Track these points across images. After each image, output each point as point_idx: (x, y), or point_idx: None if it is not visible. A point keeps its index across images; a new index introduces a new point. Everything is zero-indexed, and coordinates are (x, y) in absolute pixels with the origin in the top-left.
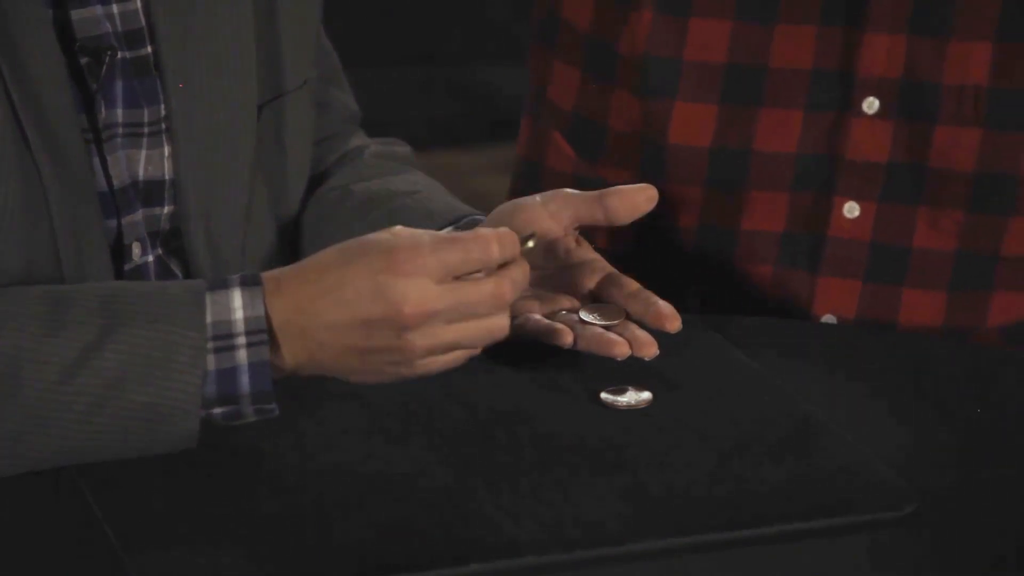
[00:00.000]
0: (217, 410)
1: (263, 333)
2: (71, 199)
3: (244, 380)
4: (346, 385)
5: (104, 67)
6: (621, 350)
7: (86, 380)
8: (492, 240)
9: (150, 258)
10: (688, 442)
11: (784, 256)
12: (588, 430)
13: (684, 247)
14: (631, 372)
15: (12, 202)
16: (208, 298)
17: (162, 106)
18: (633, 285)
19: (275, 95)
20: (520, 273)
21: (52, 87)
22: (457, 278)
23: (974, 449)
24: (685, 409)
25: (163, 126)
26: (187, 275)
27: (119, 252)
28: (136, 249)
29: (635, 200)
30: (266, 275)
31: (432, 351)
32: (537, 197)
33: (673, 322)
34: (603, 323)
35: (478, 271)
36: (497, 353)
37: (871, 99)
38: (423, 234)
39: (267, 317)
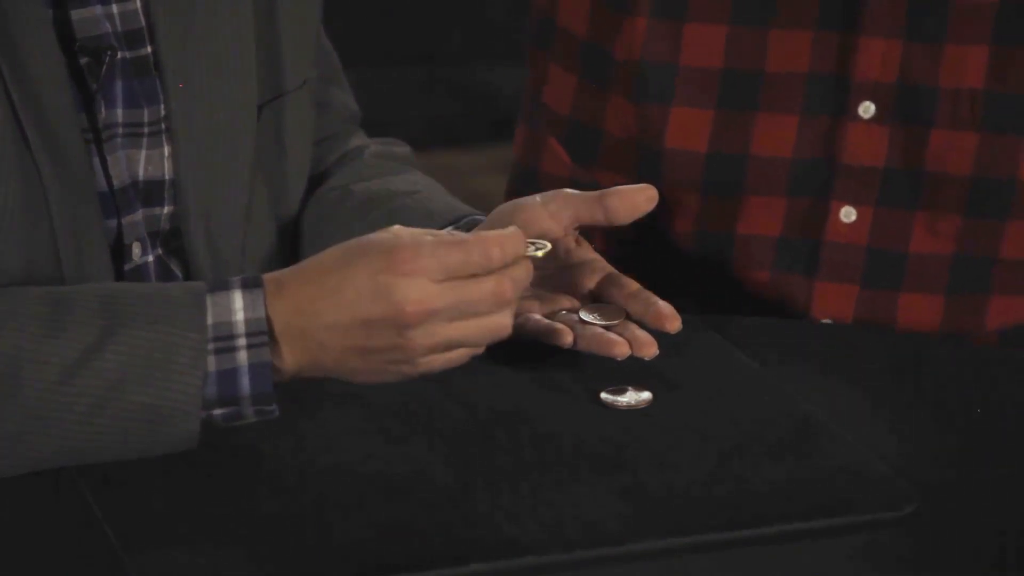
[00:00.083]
0: (217, 411)
1: (264, 335)
2: (71, 199)
3: (244, 381)
4: (346, 386)
5: (104, 67)
6: (621, 350)
7: (87, 381)
8: (493, 243)
9: (150, 258)
10: (688, 442)
11: (781, 261)
12: (588, 430)
13: (681, 252)
14: (631, 372)
15: (12, 202)
16: (209, 300)
17: (162, 106)
18: (633, 285)
19: (275, 95)
20: (522, 272)
21: (52, 87)
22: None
23: (974, 449)
24: (685, 409)
25: (163, 126)
26: (187, 275)
27: (119, 252)
28: (136, 249)
29: (635, 200)
30: (267, 277)
31: (434, 349)
32: (537, 197)
33: (673, 322)
34: (603, 323)
35: (479, 274)
36: (497, 353)
37: (867, 103)
38: (424, 234)
39: (268, 319)
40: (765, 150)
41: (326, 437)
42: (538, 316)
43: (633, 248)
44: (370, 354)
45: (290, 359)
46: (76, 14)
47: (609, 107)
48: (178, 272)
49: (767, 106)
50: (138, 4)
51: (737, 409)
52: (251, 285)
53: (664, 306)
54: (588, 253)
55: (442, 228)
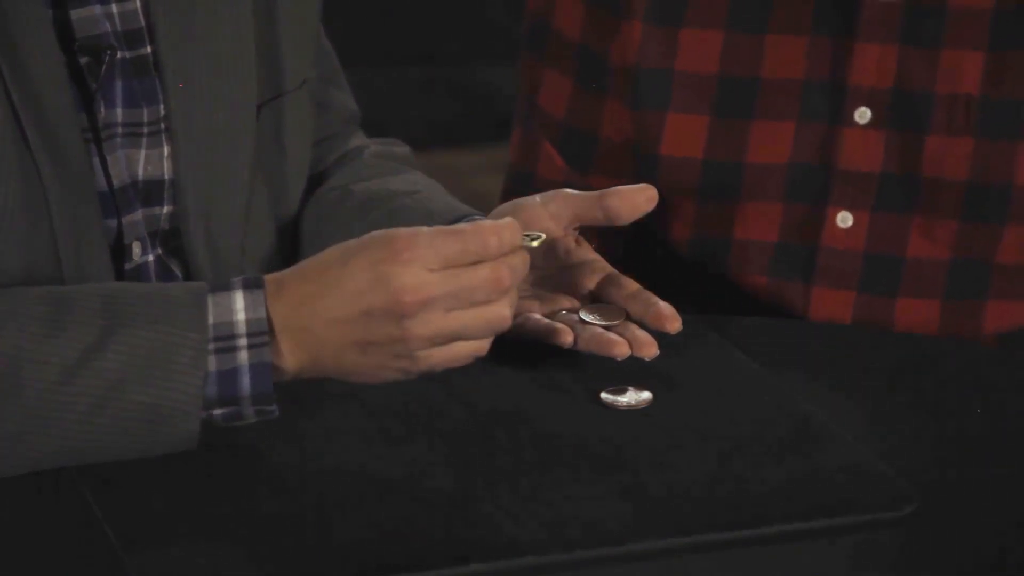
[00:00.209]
0: (218, 411)
1: (264, 335)
2: (71, 199)
3: (245, 381)
4: (346, 385)
5: (104, 67)
6: (621, 350)
7: (87, 381)
8: (490, 232)
9: (150, 258)
10: (688, 442)
11: (778, 266)
12: (588, 430)
13: (678, 258)
14: (631, 372)
15: (12, 202)
16: (210, 300)
17: (161, 106)
18: (633, 286)
19: (274, 95)
20: (519, 261)
21: (52, 87)
22: None
23: (974, 449)
24: (685, 409)
25: (162, 126)
26: (187, 275)
27: (119, 252)
28: (136, 249)
29: (635, 200)
30: (268, 278)
31: (433, 341)
32: (537, 197)
33: (673, 323)
34: (603, 323)
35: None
36: (497, 353)
37: (863, 109)
38: (422, 227)
39: (268, 319)
40: (761, 156)
41: (326, 437)
42: (538, 316)
43: (629, 254)
44: (370, 347)
45: (290, 358)
46: (76, 14)
47: (605, 112)
48: (178, 272)
49: (763, 112)
50: (138, 4)
51: (737, 409)
52: (252, 285)
53: (664, 306)
54: (588, 253)
55: None
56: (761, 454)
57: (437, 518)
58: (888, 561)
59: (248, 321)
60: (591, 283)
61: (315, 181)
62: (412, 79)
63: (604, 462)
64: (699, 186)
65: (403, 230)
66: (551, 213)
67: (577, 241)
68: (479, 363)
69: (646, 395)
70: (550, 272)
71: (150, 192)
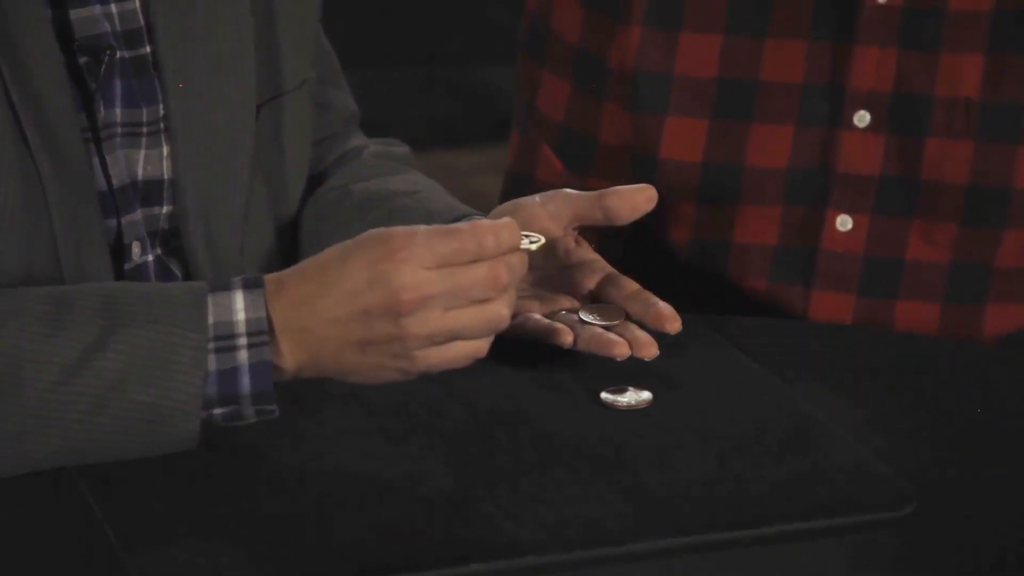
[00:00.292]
0: (218, 411)
1: (264, 334)
2: (71, 199)
3: (245, 381)
4: (346, 385)
5: (103, 66)
6: (621, 350)
7: (87, 380)
8: (487, 232)
9: (150, 258)
10: (688, 442)
11: (777, 270)
12: (588, 430)
13: (677, 261)
14: (631, 372)
15: (12, 202)
16: (210, 299)
17: (161, 106)
18: (633, 286)
19: (274, 95)
20: (517, 260)
21: (51, 87)
22: None
23: (974, 449)
24: (685, 409)
25: (162, 126)
26: (186, 275)
27: (119, 252)
28: (136, 249)
29: (635, 200)
30: (268, 277)
31: (431, 340)
32: (536, 197)
33: (673, 323)
34: (603, 323)
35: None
36: (497, 353)
37: (862, 112)
38: (419, 226)
39: (268, 319)
40: (761, 160)
41: (326, 437)
42: (538, 316)
43: (628, 258)
44: (369, 346)
45: (290, 358)
46: (75, 14)
47: (604, 115)
48: (177, 272)
49: (762, 116)
50: (137, 4)
51: (737, 409)
52: (252, 285)
53: (664, 307)
54: (588, 253)
55: None
56: (761, 454)
57: (437, 518)
58: (888, 561)
59: (248, 321)
60: (591, 283)
61: (315, 181)
62: (412, 79)
63: (604, 462)
64: (698, 189)
65: (400, 229)
66: (551, 213)
67: (577, 241)
68: (479, 363)
69: (646, 395)
70: (550, 272)
71: (149, 192)
